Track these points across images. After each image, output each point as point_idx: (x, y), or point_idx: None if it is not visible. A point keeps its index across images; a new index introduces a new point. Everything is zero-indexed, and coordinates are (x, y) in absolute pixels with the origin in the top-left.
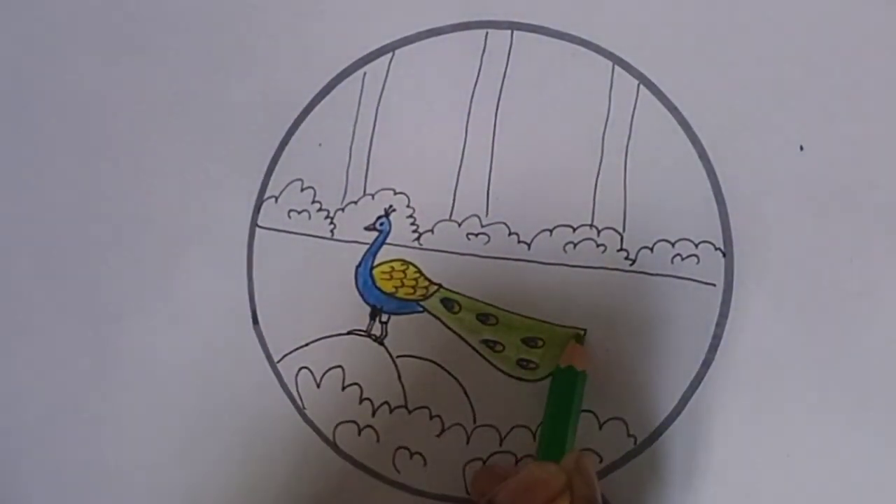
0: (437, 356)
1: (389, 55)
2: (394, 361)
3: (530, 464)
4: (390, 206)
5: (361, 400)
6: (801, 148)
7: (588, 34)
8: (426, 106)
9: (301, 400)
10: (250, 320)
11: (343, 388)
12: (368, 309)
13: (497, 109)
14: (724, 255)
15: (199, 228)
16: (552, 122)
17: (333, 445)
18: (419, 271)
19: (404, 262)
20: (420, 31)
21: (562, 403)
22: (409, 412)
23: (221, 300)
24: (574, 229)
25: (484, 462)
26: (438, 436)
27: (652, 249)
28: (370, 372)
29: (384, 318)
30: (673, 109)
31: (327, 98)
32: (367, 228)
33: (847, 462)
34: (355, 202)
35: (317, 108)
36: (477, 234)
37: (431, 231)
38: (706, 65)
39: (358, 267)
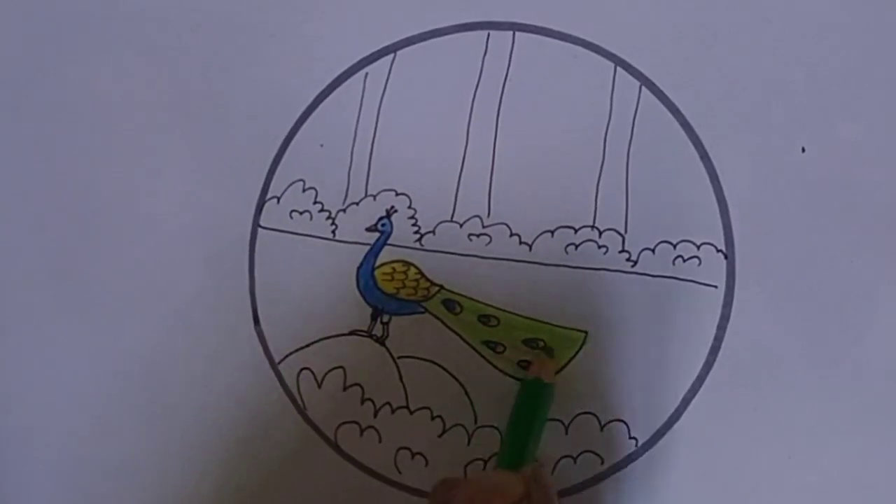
0: (438, 357)
1: (391, 56)
2: (395, 362)
3: (490, 471)
4: (392, 207)
5: (363, 401)
6: (803, 150)
7: (590, 35)
8: (428, 107)
9: (302, 401)
10: (251, 320)
11: (344, 389)
12: (370, 310)
13: (499, 110)
14: (726, 256)
15: (201, 228)
16: (554, 123)
17: (335, 446)
18: (420, 272)
19: (406, 263)
20: (422, 32)
21: (526, 414)
22: (411, 413)
23: (222, 300)
24: (576, 230)
25: (485, 463)
26: (440, 436)
27: (654, 251)
28: (371, 372)
29: (385, 318)
30: (675, 111)
31: (329, 99)
32: (368, 229)
33: (848, 463)
34: (357, 203)
35: (318, 109)
36: (478, 235)
37: (433, 232)
38: (707, 66)
39: (359, 268)
